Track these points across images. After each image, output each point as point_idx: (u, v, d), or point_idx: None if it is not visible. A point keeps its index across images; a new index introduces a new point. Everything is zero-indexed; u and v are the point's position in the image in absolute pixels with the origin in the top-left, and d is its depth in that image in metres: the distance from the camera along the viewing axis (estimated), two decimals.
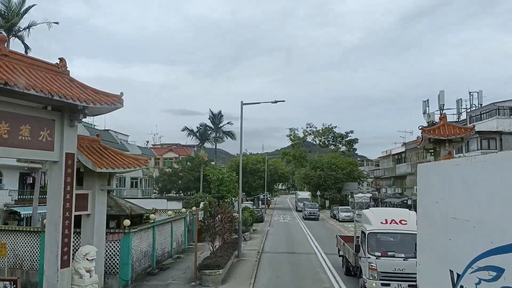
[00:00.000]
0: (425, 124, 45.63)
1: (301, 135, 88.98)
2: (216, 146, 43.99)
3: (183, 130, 36.53)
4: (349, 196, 64.90)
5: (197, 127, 38.66)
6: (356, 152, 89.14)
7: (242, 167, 73.65)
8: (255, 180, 70.97)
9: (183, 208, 31.66)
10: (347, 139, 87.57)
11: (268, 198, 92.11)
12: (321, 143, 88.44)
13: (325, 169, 71.73)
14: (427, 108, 44.90)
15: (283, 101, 21.74)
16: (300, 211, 59.28)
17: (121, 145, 41.95)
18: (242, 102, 21.57)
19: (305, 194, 69.01)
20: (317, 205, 52.70)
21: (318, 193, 68.31)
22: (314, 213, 47.92)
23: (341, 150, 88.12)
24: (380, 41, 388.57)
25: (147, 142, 67.61)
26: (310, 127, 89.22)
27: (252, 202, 60.90)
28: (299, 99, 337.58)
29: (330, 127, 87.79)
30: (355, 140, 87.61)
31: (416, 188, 33.59)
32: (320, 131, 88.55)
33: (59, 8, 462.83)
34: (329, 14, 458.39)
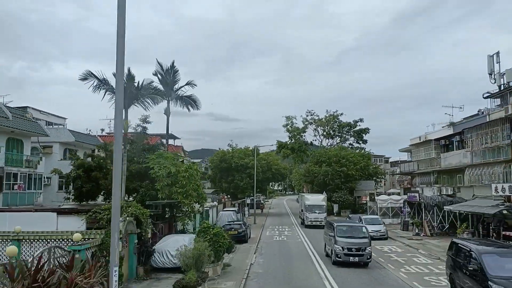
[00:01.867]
0: (495, 89, 30.17)
1: (301, 125, 73.43)
2: (168, 118, 27.42)
3: (83, 79, 20.21)
4: (367, 198, 49.48)
5: (113, 74, 21.08)
6: (366, 143, 73.08)
7: (226, 162, 56.89)
8: (242, 179, 55.27)
9: (94, 228, 16.11)
10: (355, 129, 71.92)
11: (262, 201, 76.45)
12: (324, 133, 72.67)
13: (332, 164, 56.32)
14: (497, 65, 29.47)
15: None
16: (310, 226, 39.13)
17: (15, 122, 26.02)
18: None
19: (319, 199, 43.17)
20: (364, 229, 22.23)
21: (324, 194, 52.47)
22: (363, 250, 20.44)
23: (349, 142, 72.87)
24: (375, 41, 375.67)
25: (102, 130, 51.65)
26: (311, 115, 73.48)
27: (237, 209, 45.10)
28: (295, 100, 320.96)
29: (335, 114, 72.11)
30: (365, 130, 71.89)
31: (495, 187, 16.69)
32: (323, 119, 72.85)
33: (55, 10, 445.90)
34: (324, 15, 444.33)
